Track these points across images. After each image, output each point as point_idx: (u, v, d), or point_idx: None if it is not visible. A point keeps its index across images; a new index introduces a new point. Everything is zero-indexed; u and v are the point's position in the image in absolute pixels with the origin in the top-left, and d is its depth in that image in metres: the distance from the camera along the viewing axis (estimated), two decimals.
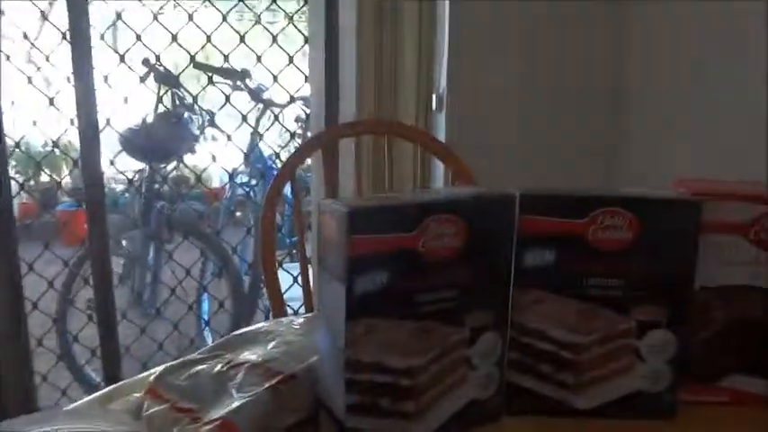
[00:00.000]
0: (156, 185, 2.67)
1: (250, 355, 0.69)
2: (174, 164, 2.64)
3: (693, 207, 0.65)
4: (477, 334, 0.64)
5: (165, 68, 2.60)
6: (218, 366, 0.68)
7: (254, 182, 2.99)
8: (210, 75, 2.54)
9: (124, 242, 2.75)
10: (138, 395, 0.68)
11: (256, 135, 2.89)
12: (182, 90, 2.67)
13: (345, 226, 0.56)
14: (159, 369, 0.69)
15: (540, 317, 0.67)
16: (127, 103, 2.29)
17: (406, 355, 0.61)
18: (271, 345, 0.71)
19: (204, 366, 0.68)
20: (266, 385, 0.62)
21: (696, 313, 0.70)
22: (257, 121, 2.86)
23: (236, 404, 0.60)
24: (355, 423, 0.60)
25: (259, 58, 2.28)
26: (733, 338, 0.71)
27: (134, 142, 2.54)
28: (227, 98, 2.25)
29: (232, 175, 2.57)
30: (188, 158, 2.74)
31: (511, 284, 0.66)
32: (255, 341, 0.74)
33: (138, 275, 2.60)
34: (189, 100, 2.67)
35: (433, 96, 2.20)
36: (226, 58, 2.28)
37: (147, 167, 2.67)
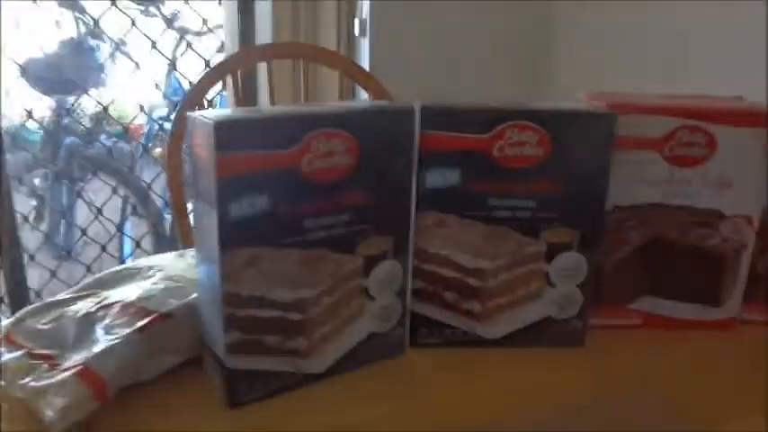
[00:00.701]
0: (66, 121, 2.49)
1: (125, 294, 0.62)
2: (82, 96, 2.44)
3: (606, 120, 0.60)
4: (375, 262, 0.59)
5: None
6: (88, 307, 0.60)
7: (173, 115, 2.83)
8: None
9: (36, 181, 2.58)
10: None
11: (172, 66, 2.72)
12: (86, 15, 2.46)
13: (213, 140, 0.48)
14: (19, 312, 0.61)
15: (444, 241, 0.62)
16: (19, 28, 2.09)
17: (293, 287, 0.55)
18: (151, 281, 0.64)
19: (71, 307, 0.61)
20: (137, 326, 0.55)
21: (609, 234, 0.66)
22: (174, 51, 2.69)
23: (98, 348, 0.53)
24: (237, 363, 0.54)
25: None
26: (646, 259, 0.68)
27: (35, 73, 2.35)
28: (133, 22, 2.08)
29: (143, 108, 2.40)
30: (102, 92, 2.56)
31: (412, 207, 0.60)
32: (134, 277, 0.66)
33: (49, 216, 2.46)
34: (94, 26, 2.47)
35: (356, 21, 2.10)
36: None
37: (54, 101, 2.49)
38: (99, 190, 2.41)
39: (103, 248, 2.18)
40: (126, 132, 2.56)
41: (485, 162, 0.60)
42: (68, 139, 2.48)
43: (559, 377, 0.62)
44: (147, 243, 2.41)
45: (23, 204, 2.38)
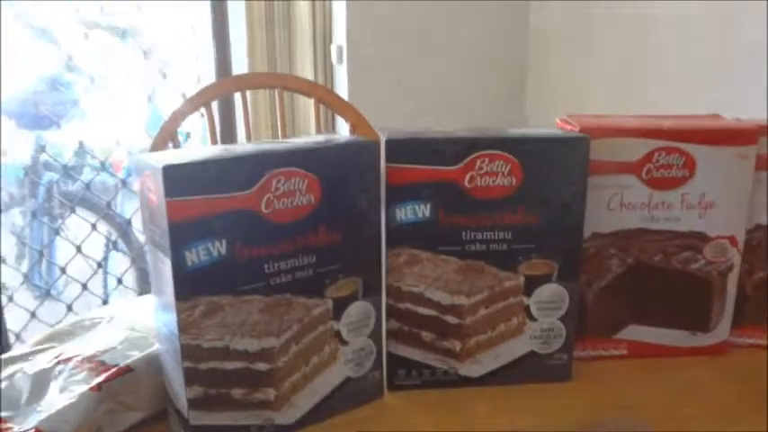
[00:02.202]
0: (44, 157, 2.45)
1: (84, 347, 0.58)
2: (59, 132, 2.42)
3: (579, 144, 0.58)
4: (345, 304, 0.56)
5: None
6: (44, 362, 0.57)
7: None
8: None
9: (16, 220, 2.54)
10: None
11: (152, 99, 2.69)
12: (61, 49, 2.44)
13: (162, 186, 0.45)
14: None
15: (418, 279, 0.59)
16: None
17: (258, 336, 0.52)
18: (111, 332, 0.61)
19: (26, 363, 0.57)
20: (94, 383, 0.52)
21: (589, 262, 0.64)
22: (152, 83, 2.66)
23: (52, 409, 0.50)
24: (201, 419, 0.51)
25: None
26: (629, 286, 0.66)
27: (12, 109, 2.33)
28: (108, 51, 2.06)
29: (118, 142, 2.37)
30: (81, 126, 2.53)
31: (382, 245, 0.58)
32: (95, 328, 0.63)
33: (28, 254, 2.41)
34: (71, 61, 2.45)
35: (333, 48, 2.09)
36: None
37: (33, 137, 2.46)
38: (81, 225, 2.37)
39: (84, 287, 2.14)
40: (105, 167, 2.52)
41: (456, 194, 0.57)
42: (47, 176, 2.44)
43: (547, 413, 0.60)
44: (129, 279, 2.36)
45: (2, 243, 2.34)
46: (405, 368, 0.62)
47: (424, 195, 0.57)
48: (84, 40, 2.28)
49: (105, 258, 2.42)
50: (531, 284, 0.60)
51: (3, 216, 2.44)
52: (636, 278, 0.65)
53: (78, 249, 2.10)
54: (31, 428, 0.48)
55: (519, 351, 0.62)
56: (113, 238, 2.38)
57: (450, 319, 0.60)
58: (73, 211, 2.15)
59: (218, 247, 0.48)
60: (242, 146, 0.53)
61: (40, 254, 2.28)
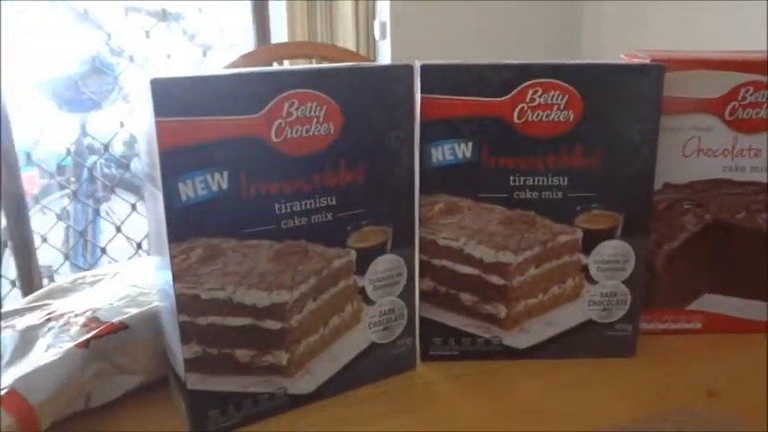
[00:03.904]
0: (87, 140, 2.45)
1: (79, 303, 0.52)
2: (101, 114, 2.41)
3: (651, 74, 0.49)
4: (371, 257, 0.48)
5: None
6: (34, 319, 0.51)
7: None
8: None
9: (63, 203, 2.56)
10: None
11: None
12: (105, 32, 2.43)
13: (151, 103, 0.38)
14: None
15: (457, 231, 0.51)
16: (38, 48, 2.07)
17: (267, 289, 0.44)
18: (113, 288, 0.54)
19: (16, 320, 0.51)
20: (79, 340, 0.45)
21: (659, 218, 0.55)
22: (195, 65, 2.64)
23: (30, 368, 0.43)
24: (201, 383, 0.44)
25: None
26: (706, 249, 0.56)
27: (56, 92, 2.34)
28: (147, 33, 2.03)
29: None
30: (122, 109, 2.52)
31: (416, 189, 0.49)
32: (95, 285, 0.57)
33: (72, 237, 2.41)
34: (114, 44, 2.44)
35: (375, 24, 2.02)
36: None
37: (77, 121, 2.46)
38: (124, 207, 2.35)
39: None
40: None
41: (503, 131, 0.49)
42: (90, 159, 2.45)
43: (605, 395, 0.51)
44: None
45: (47, 225, 2.34)
46: (440, 336, 0.53)
47: (465, 132, 0.49)
48: (126, 23, 2.26)
49: (147, 237, 2.40)
50: (591, 240, 0.51)
51: (47, 199, 2.45)
52: (714, 239, 0.56)
53: (118, 230, 2.08)
54: (5, 387, 0.42)
55: (574, 319, 0.53)
56: None
57: (495, 279, 0.52)
58: (113, 192, 2.14)
59: (219, 180, 0.41)
60: (257, 68, 0.45)
61: (82, 234, 2.27)
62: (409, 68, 0.47)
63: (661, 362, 0.55)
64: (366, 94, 0.45)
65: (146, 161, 0.43)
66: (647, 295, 0.55)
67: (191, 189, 0.40)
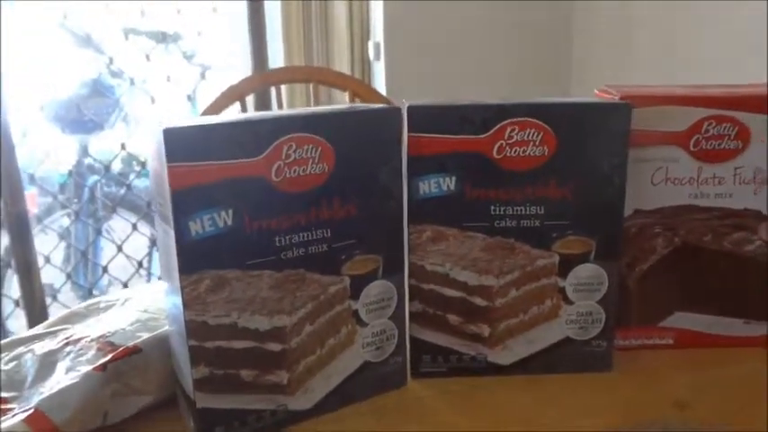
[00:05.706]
0: (88, 160, 2.50)
1: (94, 328, 0.56)
2: (101, 135, 2.46)
3: (620, 111, 0.53)
4: (364, 283, 0.52)
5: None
6: (53, 343, 0.55)
7: None
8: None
9: (64, 222, 2.59)
10: None
11: (194, 101, 2.72)
12: (106, 55, 2.48)
13: (163, 150, 0.42)
14: None
15: (443, 257, 0.55)
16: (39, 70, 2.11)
17: (268, 314, 0.48)
18: (124, 313, 0.59)
19: (36, 344, 0.55)
20: (98, 363, 0.50)
21: (631, 242, 0.59)
22: (194, 87, 2.69)
23: (53, 389, 0.47)
24: (209, 402, 0.48)
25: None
26: (676, 269, 0.60)
27: (57, 114, 2.38)
28: (147, 57, 2.08)
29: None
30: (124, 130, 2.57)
31: (404, 220, 0.54)
32: (108, 310, 0.61)
33: (73, 256, 2.45)
34: (114, 67, 2.49)
35: (370, 45, 2.07)
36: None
37: (77, 142, 2.51)
38: (124, 227, 2.39)
39: (125, 286, 2.15)
40: (146, 168, 2.55)
41: (484, 165, 0.53)
42: (91, 178, 2.49)
43: (584, 406, 0.55)
44: None
45: (49, 245, 2.38)
46: (430, 354, 0.58)
47: (450, 167, 0.53)
48: (126, 45, 2.31)
49: (148, 256, 2.44)
50: (567, 264, 0.55)
51: (49, 219, 2.48)
52: (683, 260, 0.60)
53: (119, 249, 2.11)
54: (30, 408, 0.46)
55: (553, 337, 0.57)
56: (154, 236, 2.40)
57: (478, 300, 0.56)
58: (114, 211, 2.17)
59: (225, 218, 0.45)
60: (258, 113, 0.50)
61: (83, 254, 2.31)
62: (397, 111, 0.51)
63: (636, 375, 0.59)
64: (358, 135, 0.50)
65: (157, 199, 0.47)
66: (623, 313, 0.59)
67: (199, 226, 0.44)
